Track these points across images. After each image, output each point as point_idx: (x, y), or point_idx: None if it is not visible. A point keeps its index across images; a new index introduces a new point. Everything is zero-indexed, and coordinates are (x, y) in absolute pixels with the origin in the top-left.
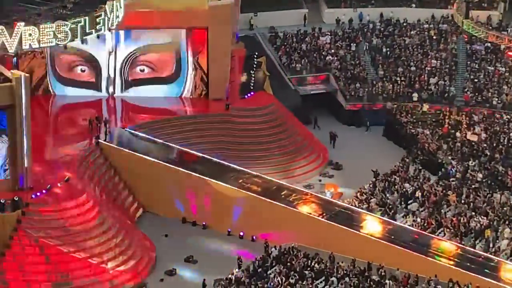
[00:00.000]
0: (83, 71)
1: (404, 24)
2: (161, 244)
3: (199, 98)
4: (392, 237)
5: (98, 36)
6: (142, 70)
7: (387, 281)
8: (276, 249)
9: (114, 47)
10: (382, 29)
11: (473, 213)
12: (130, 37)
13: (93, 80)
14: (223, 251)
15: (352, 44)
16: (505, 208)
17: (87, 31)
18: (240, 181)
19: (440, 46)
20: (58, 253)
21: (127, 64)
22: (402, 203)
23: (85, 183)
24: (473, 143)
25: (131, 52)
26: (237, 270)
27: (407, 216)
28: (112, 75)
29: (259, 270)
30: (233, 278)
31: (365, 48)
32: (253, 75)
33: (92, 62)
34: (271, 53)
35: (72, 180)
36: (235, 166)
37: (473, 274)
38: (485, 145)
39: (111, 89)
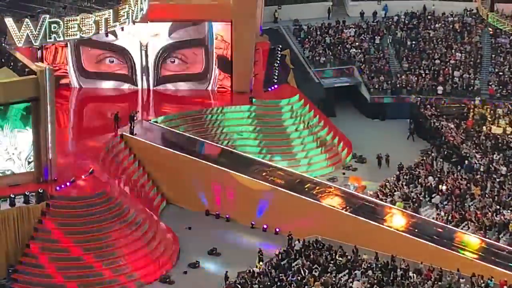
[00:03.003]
0: (111, 62)
1: (429, 17)
2: (185, 237)
3: (223, 91)
4: (416, 230)
5: (122, 29)
6: (173, 62)
7: (410, 275)
8: (299, 242)
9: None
10: (406, 21)
11: (498, 207)
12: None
13: (125, 72)
14: (246, 243)
15: (376, 37)
16: None
17: (112, 23)
18: (264, 174)
19: (464, 39)
20: (83, 245)
21: (160, 58)
22: (426, 196)
23: (109, 176)
24: (498, 137)
25: (164, 46)
26: (261, 263)
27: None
28: (146, 68)
29: (283, 263)
30: (256, 271)
31: (389, 41)
32: (276, 68)
33: (123, 55)
34: (295, 46)
35: (96, 172)
36: (259, 159)
37: (498, 268)
38: (510, 138)
39: (145, 83)
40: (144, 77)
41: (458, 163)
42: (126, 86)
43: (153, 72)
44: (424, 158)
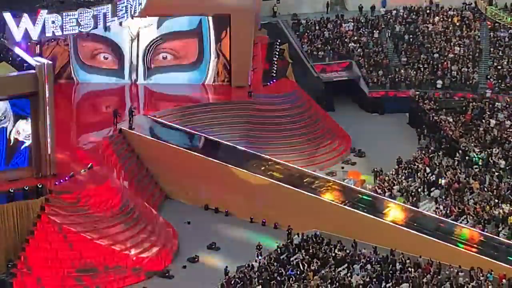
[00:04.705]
0: (105, 58)
1: (428, 11)
2: (184, 231)
3: (222, 85)
4: (415, 224)
5: (120, 23)
6: (165, 58)
7: (409, 269)
8: (298, 236)
9: (137, 34)
10: (405, 15)
11: (497, 200)
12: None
13: (115, 67)
14: (245, 238)
15: (374, 31)
16: None
17: (110, 18)
18: (263, 168)
19: (463, 33)
20: (82, 240)
21: (150, 51)
22: (425, 190)
23: (108, 170)
24: (496, 130)
25: (154, 39)
26: (260, 257)
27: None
28: (135, 62)
29: (282, 257)
30: (256, 265)
31: (388, 35)
32: (275, 62)
33: (115, 49)
34: (294, 40)
35: (95, 167)
36: (257, 153)
37: (496, 262)
38: (509, 131)
39: (133, 76)
40: (139, 72)
41: (456, 156)
42: (123, 81)
43: (142, 65)
44: (423, 152)
